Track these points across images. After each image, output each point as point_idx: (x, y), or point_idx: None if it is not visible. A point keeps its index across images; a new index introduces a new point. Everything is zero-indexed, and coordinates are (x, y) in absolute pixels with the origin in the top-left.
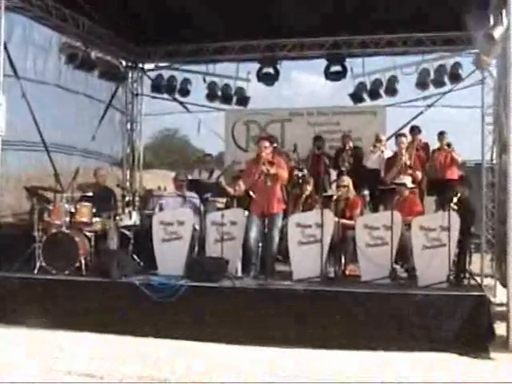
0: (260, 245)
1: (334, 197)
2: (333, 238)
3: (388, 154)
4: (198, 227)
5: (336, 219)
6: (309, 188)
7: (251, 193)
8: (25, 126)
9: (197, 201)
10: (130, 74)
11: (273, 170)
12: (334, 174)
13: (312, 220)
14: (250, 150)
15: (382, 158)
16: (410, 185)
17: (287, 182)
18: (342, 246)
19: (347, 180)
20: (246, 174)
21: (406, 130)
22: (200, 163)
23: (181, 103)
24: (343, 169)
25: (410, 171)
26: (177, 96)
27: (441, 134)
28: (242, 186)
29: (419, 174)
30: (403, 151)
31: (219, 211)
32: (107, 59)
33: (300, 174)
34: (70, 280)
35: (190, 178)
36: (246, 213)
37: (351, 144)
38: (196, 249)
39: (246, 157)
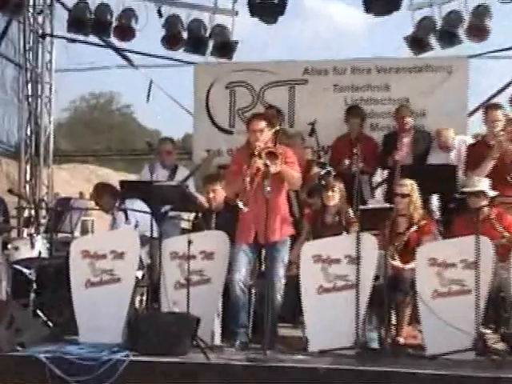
0: (254, 292)
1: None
2: (377, 281)
3: (465, 140)
4: (148, 261)
5: (382, 253)
6: (336, 196)
7: (240, 205)
8: None
9: (147, 218)
10: (30, 0)
11: (275, 168)
12: (379, 173)
13: (341, 250)
14: (237, 133)
15: (458, 150)
16: (489, 192)
17: (300, 186)
18: (392, 294)
19: (411, 185)
20: (231, 173)
21: (503, 99)
22: (153, 154)
23: (119, 51)
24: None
25: None
26: (112, 39)
27: None
28: (221, 193)
29: None
30: (498, 134)
31: (184, 235)
32: None
33: (322, 172)
34: None
35: (134, 179)
36: (228, 241)
37: (410, 122)
38: (144, 298)
39: (231, 143)
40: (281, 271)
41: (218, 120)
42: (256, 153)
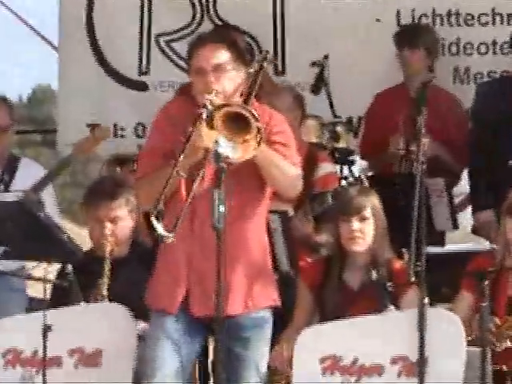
0: None
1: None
2: None
3: None
4: None
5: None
6: (369, 230)
7: (159, 229)
8: None
9: None
10: None
11: (244, 152)
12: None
13: (384, 345)
14: (158, 87)
15: None
16: None
17: (298, 200)
18: None
19: None
20: (154, 157)
21: None
22: None
23: None
24: None
25: None
26: None
27: None
28: (126, 224)
29: None
30: None
31: (36, 312)
32: None
33: (344, 181)
34: None
35: None
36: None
37: None
38: None
39: (143, 110)
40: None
41: (115, 58)
42: (203, 114)
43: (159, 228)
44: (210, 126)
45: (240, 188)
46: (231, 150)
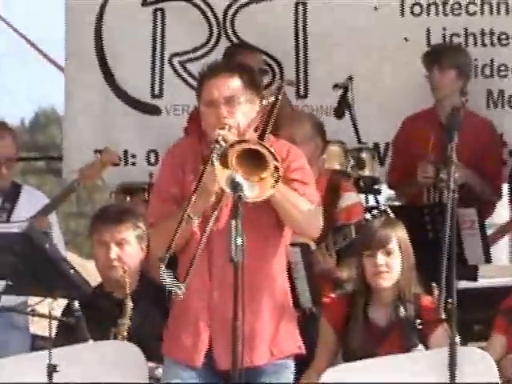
0: None
1: None
2: None
3: None
4: None
5: None
6: (395, 266)
7: (168, 282)
8: None
9: None
10: None
11: (259, 191)
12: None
13: None
14: (171, 111)
15: None
16: None
17: (318, 239)
18: None
19: None
20: (163, 201)
21: None
22: None
23: None
24: None
25: None
26: None
27: None
28: (135, 253)
29: None
30: None
31: (40, 352)
32: None
33: (368, 214)
34: None
35: None
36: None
37: None
38: None
39: (156, 137)
40: None
41: (125, 80)
42: (214, 152)
43: (168, 279)
44: (224, 164)
45: (257, 226)
46: (248, 189)
